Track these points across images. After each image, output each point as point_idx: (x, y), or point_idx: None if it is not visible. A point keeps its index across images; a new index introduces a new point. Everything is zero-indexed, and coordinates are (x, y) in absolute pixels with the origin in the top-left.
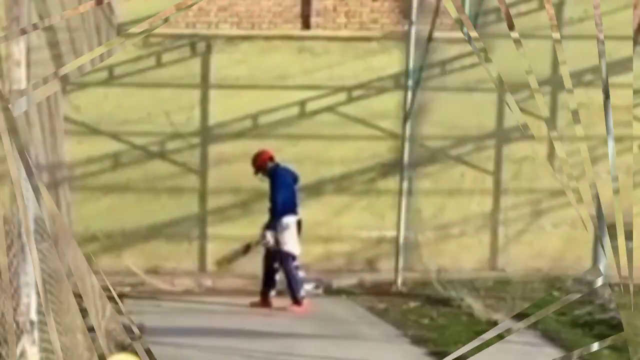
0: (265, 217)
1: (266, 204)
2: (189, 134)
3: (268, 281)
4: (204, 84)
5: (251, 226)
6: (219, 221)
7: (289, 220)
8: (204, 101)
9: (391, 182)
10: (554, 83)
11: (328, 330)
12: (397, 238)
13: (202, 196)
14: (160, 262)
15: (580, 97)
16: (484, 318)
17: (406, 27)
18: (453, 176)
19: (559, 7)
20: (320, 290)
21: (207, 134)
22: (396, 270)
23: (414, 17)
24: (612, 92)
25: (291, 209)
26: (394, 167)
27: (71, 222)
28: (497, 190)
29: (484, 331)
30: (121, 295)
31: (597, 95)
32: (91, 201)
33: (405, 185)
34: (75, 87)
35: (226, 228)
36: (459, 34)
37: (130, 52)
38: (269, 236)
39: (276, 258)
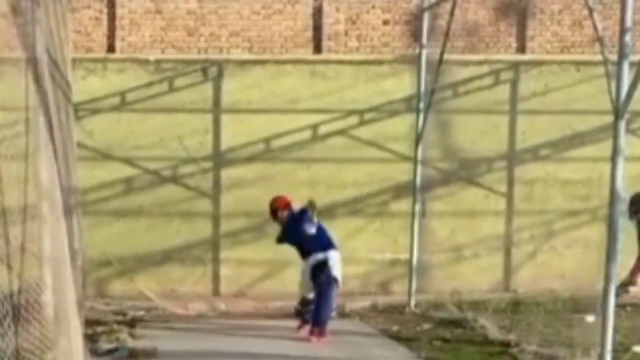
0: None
1: (278, 228)
2: (202, 158)
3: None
4: (216, 108)
5: (265, 249)
6: (232, 245)
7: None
8: (217, 126)
9: (404, 205)
10: (511, 158)
11: (342, 353)
12: (410, 260)
13: (215, 220)
14: (174, 286)
15: (538, 171)
16: (497, 339)
17: (417, 51)
18: (466, 198)
19: (514, 84)
20: (334, 314)
21: (219, 159)
22: (410, 292)
23: (424, 40)
24: (570, 166)
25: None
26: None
27: (83, 248)
28: (510, 212)
29: (497, 353)
30: (135, 320)
31: (554, 169)
32: (104, 226)
33: (418, 207)
34: (88, 113)
35: (240, 252)
36: (470, 57)
37: (142, 78)
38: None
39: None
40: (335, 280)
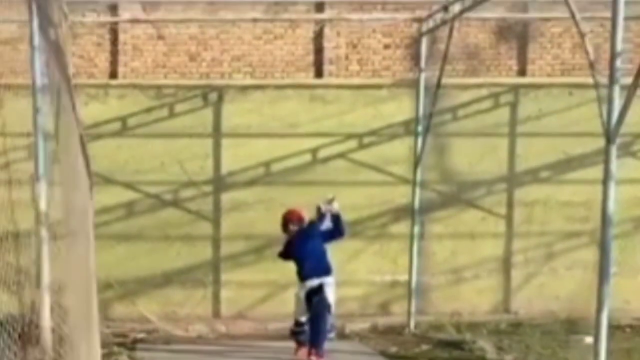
0: (277, 263)
1: (278, 250)
2: (202, 182)
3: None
4: (216, 133)
5: (264, 271)
6: (232, 267)
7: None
8: (217, 150)
9: (403, 227)
10: (511, 180)
11: None
12: (409, 282)
13: (216, 243)
14: (175, 308)
15: (537, 193)
16: None
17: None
18: (465, 220)
19: (513, 107)
20: (333, 335)
21: (220, 182)
22: (409, 313)
23: (423, 64)
24: (570, 188)
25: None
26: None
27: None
28: (510, 234)
29: None
30: (136, 342)
31: (554, 191)
32: (106, 249)
33: (416, 229)
34: (89, 138)
35: (240, 274)
36: (469, 80)
37: (142, 103)
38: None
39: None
40: (329, 305)
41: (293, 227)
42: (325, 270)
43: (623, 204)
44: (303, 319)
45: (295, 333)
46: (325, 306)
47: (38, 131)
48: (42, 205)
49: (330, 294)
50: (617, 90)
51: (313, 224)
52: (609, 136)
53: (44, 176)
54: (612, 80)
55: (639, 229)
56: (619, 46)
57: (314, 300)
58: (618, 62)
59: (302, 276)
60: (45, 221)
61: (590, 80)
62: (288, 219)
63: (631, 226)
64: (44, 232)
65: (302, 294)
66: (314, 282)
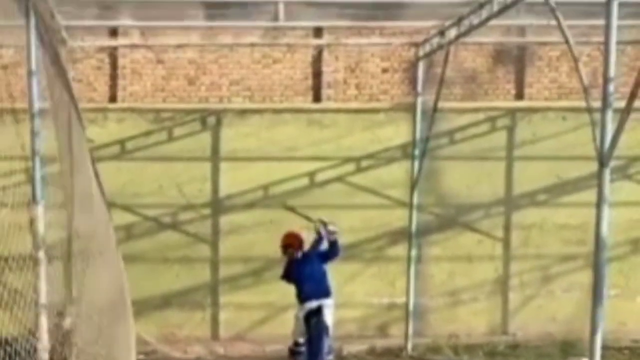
0: (275, 285)
1: (277, 272)
2: (201, 205)
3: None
4: (215, 156)
5: (263, 294)
6: (230, 289)
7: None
8: (215, 173)
9: (401, 249)
10: (507, 203)
11: None
12: (407, 304)
13: (214, 265)
14: (173, 330)
15: (534, 217)
16: None
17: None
18: (463, 243)
19: (510, 130)
20: (331, 357)
21: (218, 205)
22: (406, 335)
23: (420, 88)
24: (566, 211)
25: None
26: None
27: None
28: (507, 256)
29: None
30: None
31: (550, 214)
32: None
33: (414, 252)
34: None
35: (238, 296)
36: (465, 104)
37: (141, 126)
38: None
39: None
40: (327, 327)
41: (292, 250)
42: (325, 293)
43: (620, 227)
44: (301, 340)
45: (294, 353)
46: (323, 328)
47: (36, 155)
48: (41, 228)
49: (329, 316)
50: (610, 114)
51: (313, 247)
52: (602, 160)
53: (42, 199)
54: (605, 104)
55: (637, 251)
56: (612, 71)
57: (312, 321)
58: (611, 87)
59: (301, 298)
60: (42, 244)
61: (585, 104)
62: (288, 242)
63: (628, 249)
64: (41, 255)
65: (301, 315)
66: (312, 304)
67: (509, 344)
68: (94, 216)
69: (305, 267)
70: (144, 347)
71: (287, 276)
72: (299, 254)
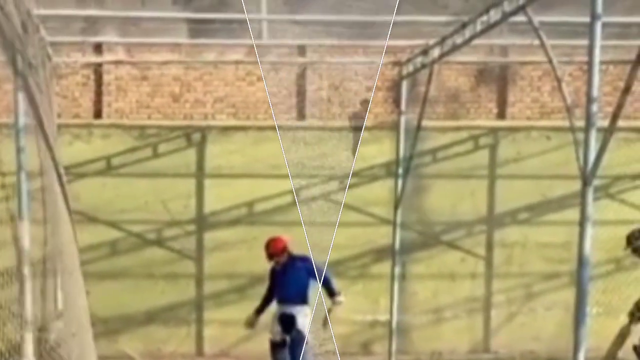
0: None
1: (261, 289)
2: (185, 221)
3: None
4: (200, 173)
5: (247, 310)
6: (215, 306)
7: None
8: (200, 190)
9: (385, 267)
10: (490, 221)
11: None
12: (390, 321)
13: (199, 282)
14: (158, 346)
15: (516, 235)
16: None
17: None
18: (446, 261)
19: (493, 149)
20: None
21: (203, 222)
22: (390, 353)
23: (403, 107)
24: (549, 230)
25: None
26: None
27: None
28: (489, 275)
29: None
30: None
31: (532, 233)
32: (89, 287)
33: (398, 269)
34: (74, 177)
35: (222, 312)
36: (448, 123)
37: (127, 143)
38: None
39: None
40: (304, 337)
41: (278, 259)
42: (302, 299)
43: (604, 245)
44: (277, 338)
45: (275, 345)
46: (302, 338)
47: (21, 170)
48: (26, 244)
49: (305, 324)
50: (593, 134)
51: (303, 259)
52: (585, 179)
53: (26, 215)
54: (588, 124)
55: (620, 269)
56: (595, 91)
57: (292, 333)
58: (594, 107)
59: (278, 299)
60: (27, 259)
61: (568, 124)
62: (272, 251)
63: (611, 267)
64: (26, 270)
65: (277, 316)
66: (287, 309)
67: None
68: (64, 233)
69: (286, 273)
70: None
71: (270, 281)
72: (284, 258)
